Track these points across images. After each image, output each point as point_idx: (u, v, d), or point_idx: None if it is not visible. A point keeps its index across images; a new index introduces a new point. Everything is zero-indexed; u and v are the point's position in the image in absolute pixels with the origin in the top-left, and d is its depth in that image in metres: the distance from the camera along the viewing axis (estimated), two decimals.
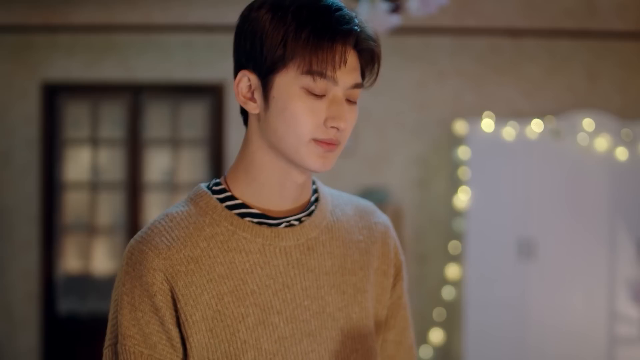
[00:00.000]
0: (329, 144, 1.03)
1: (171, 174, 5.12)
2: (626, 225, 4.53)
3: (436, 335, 4.89)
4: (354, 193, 4.89)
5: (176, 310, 1.03)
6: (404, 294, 1.24)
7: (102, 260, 5.11)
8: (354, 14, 1.04)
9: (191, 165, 5.15)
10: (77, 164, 5.11)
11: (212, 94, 5.00)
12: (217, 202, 1.09)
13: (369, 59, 1.06)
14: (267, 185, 1.09)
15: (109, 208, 5.11)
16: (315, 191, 1.18)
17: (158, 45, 4.96)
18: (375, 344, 1.16)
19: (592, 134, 4.55)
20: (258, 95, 1.05)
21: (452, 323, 4.80)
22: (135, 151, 5.02)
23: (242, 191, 1.10)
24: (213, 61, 4.93)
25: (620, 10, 4.99)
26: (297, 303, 1.07)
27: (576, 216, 4.54)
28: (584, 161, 4.54)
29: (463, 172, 4.62)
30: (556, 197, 4.54)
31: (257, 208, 1.09)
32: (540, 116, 4.71)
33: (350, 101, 1.06)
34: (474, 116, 4.81)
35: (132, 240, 1.07)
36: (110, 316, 1.07)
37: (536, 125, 4.55)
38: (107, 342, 1.07)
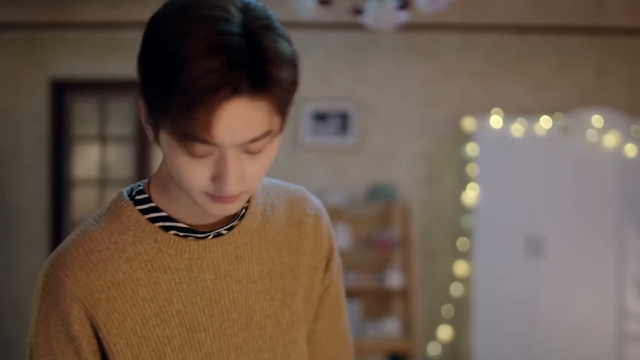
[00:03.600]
0: (222, 198, 0.91)
1: None
2: (635, 222, 4.52)
3: (444, 332, 4.89)
4: (362, 190, 4.89)
5: (98, 339, 0.98)
6: (335, 283, 1.17)
7: None
8: (237, 47, 0.82)
9: None
10: (86, 161, 5.12)
11: None
12: (140, 214, 1.00)
13: (277, 98, 0.86)
14: (187, 205, 1.00)
15: None
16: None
17: None
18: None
19: (601, 130, 4.54)
20: (151, 131, 0.93)
21: (461, 320, 4.80)
22: (144, 148, 5.03)
23: (165, 203, 1.01)
24: None
25: (629, 7, 4.96)
26: (224, 317, 1.02)
27: (584, 213, 4.53)
28: (593, 158, 4.53)
29: (471, 169, 4.61)
30: (564, 193, 4.53)
31: (183, 222, 1.01)
32: (549, 113, 4.70)
33: (253, 152, 0.89)
34: (481, 113, 4.80)
35: (47, 263, 0.98)
36: (29, 336, 1.01)
37: (544, 122, 4.54)
38: None
